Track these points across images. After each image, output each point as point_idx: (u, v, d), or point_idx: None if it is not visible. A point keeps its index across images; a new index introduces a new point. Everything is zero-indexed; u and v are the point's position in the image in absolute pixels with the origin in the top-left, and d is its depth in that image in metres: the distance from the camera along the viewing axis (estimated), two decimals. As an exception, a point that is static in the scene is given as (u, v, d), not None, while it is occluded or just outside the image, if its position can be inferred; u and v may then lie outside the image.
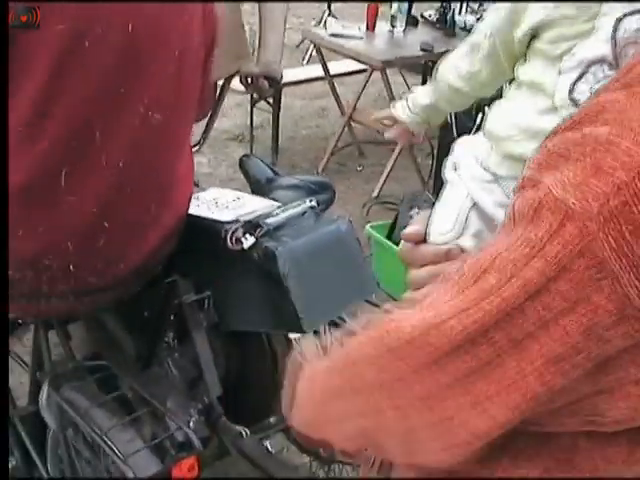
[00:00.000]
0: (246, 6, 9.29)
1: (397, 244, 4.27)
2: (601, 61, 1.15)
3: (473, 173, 1.41)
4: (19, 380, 2.97)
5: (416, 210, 4.22)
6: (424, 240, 1.12)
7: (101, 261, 2.04)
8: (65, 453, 2.23)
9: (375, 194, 5.41)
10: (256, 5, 3.18)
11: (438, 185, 5.35)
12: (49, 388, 2.20)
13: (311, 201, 2.24)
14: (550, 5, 1.52)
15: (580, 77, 1.19)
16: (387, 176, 5.44)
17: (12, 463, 2.53)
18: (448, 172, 1.47)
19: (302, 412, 0.99)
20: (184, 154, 2.20)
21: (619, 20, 1.14)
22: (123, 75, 1.88)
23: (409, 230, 1.13)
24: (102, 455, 2.15)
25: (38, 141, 1.86)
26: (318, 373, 0.93)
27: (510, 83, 1.89)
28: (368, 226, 4.43)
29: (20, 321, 2.45)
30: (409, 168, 5.67)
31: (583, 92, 1.17)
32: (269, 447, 2.47)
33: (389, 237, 4.40)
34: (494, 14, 1.85)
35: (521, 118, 1.46)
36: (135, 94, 1.92)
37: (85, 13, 1.78)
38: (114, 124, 1.92)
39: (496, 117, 1.57)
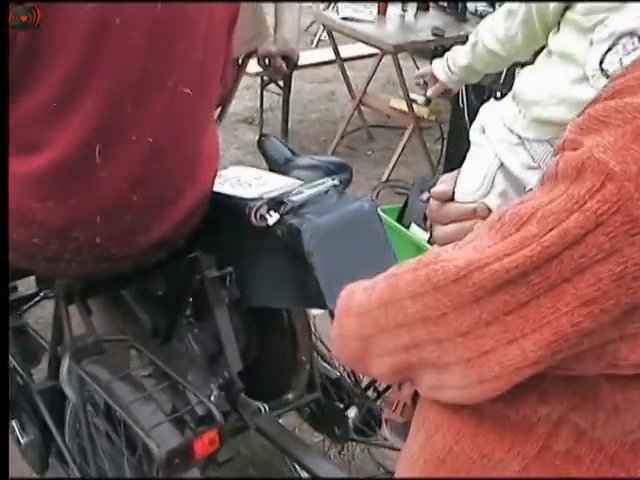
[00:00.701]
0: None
1: (407, 227, 4.29)
2: (631, 34, 1.18)
3: (500, 136, 1.43)
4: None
5: (426, 194, 4.23)
6: (451, 199, 1.16)
7: (125, 233, 2.07)
8: (85, 427, 2.24)
9: (384, 178, 5.42)
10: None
11: (448, 169, 5.36)
12: (70, 361, 2.21)
13: (333, 179, 2.25)
14: None
15: (610, 48, 1.22)
16: (396, 160, 5.44)
17: (30, 437, 2.55)
18: (475, 134, 1.49)
19: (348, 345, 1.04)
20: (210, 130, 2.22)
21: None
22: (153, 52, 1.90)
23: (437, 189, 1.18)
24: (122, 429, 2.17)
25: (72, 117, 1.88)
26: (366, 309, 0.97)
27: (539, 52, 1.91)
28: (378, 209, 4.43)
29: (41, 294, 2.47)
30: (418, 152, 5.67)
31: (612, 63, 1.19)
32: (282, 424, 2.50)
33: (399, 221, 4.41)
34: None
35: (551, 85, 1.47)
36: (164, 71, 1.94)
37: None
38: (144, 101, 1.94)
39: (526, 82, 1.59)
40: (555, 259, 0.77)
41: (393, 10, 5.78)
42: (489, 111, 1.49)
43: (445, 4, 5.89)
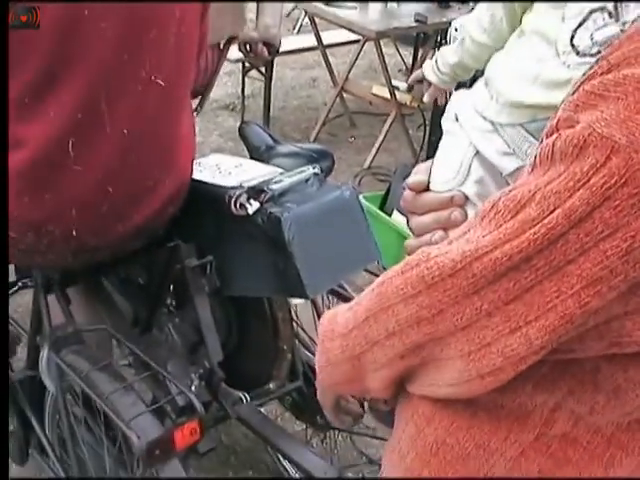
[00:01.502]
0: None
1: (389, 215, 4.28)
2: (602, 9, 1.17)
3: (474, 123, 1.41)
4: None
5: (409, 181, 4.22)
6: (426, 189, 1.15)
7: (102, 224, 2.04)
8: (64, 418, 2.23)
9: (366, 165, 5.41)
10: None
11: (431, 156, 5.35)
12: (49, 351, 2.19)
13: (314, 168, 2.23)
14: None
15: (581, 24, 1.21)
16: (379, 147, 5.43)
17: (9, 428, 2.53)
18: (448, 122, 1.47)
19: (339, 370, 1.01)
20: (186, 117, 2.19)
21: None
22: (125, 42, 1.87)
23: (413, 179, 1.18)
24: (101, 420, 2.16)
25: (45, 112, 1.85)
26: (352, 326, 0.96)
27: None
28: (360, 197, 4.43)
29: (20, 284, 2.45)
30: (401, 139, 5.66)
31: (583, 39, 1.18)
32: (263, 412, 2.49)
33: (381, 208, 4.41)
34: None
35: (521, 65, 1.46)
36: (138, 60, 1.91)
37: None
38: (118, 91, 1.91)
39: (496, 65, 1.57)
40: (560, 239, 0.76)
41: (375, -4, 5.75)
42: (461, 99, 1.47)
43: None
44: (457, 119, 1.38)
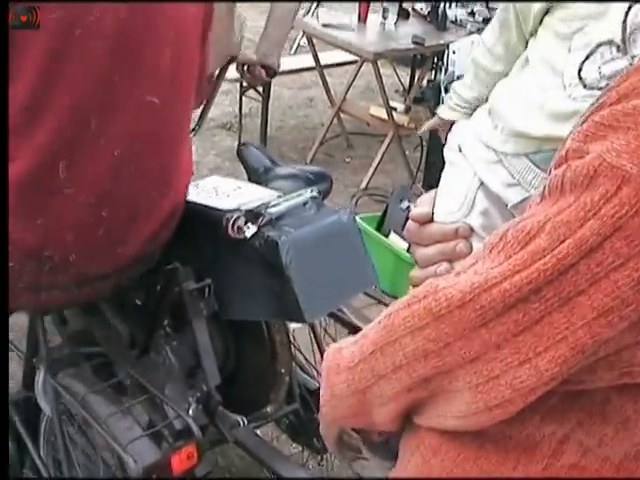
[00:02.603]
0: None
1: (386, 236, 4.28)
2: (610, 43, 1.17)
3: (478, 154, 1.41)
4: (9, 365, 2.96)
5: (406, 203, 4.23)
6: (430, 220, 1.15)
7: (100, 250, 2.03)
8: (60, 440, 2.22)
9: (363, 186, 5.41)
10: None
11: (428, 177, 5.36)
12: (45, 374, 2.19)
13: (312, 191, 2.23)
14: None
15: (588, 57, 1.20)
16: (375, 168, 5.44)
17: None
18: (451, 153, 1.47)
19: (344, 404, 1.00)
20: (182, 139, 2.18)
21: (630, 6, 1.15)
22: (117, 61, 1.86)
23: (417, 211, 1.17)
24: (97, 443, 2.15)
25: (35, 131, 1.83)
26: (359, 359, 0.95)
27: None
28: (357, 217, 4.43)
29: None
30: (397, 160, 5.67)
31: (591, 71, 1.18)
32: (260, 435, 2.48)
33: (378, 229, 4.41)
34: None
35: (526, 95, 1.46)
36: (130, 80, 1.90)
37: (74, 2, 1.77)
38: (110, 112, 1.90)
39: (500, 95, 1.57)
40: (571, 270, 0.76)
41: (373, 18, 5.79)
42: (464, 130, 1.47)
43: (425, 12, 5.90)
44: (460, 150, 1.38)
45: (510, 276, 0.78)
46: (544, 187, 0.82)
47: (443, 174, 1.39)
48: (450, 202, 1.26)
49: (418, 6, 6.08)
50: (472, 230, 1.17)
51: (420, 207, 1.16)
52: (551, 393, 0.83)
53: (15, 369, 2.83)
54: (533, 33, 1.73)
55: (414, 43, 5.33)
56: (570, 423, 0.89)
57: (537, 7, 1.68)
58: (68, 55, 1.79)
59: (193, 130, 2.96)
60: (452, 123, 2.48)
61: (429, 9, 5.91)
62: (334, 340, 2.77)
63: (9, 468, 2.51)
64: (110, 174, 1.95)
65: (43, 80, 1.79)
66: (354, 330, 2.51)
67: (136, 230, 2.08)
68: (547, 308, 0.77)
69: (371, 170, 5.44)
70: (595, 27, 1.27)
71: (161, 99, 1.96)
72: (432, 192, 1.22)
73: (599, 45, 1.19)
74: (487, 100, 2.27)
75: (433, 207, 1.16)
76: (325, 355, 1.04)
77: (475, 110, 2.39)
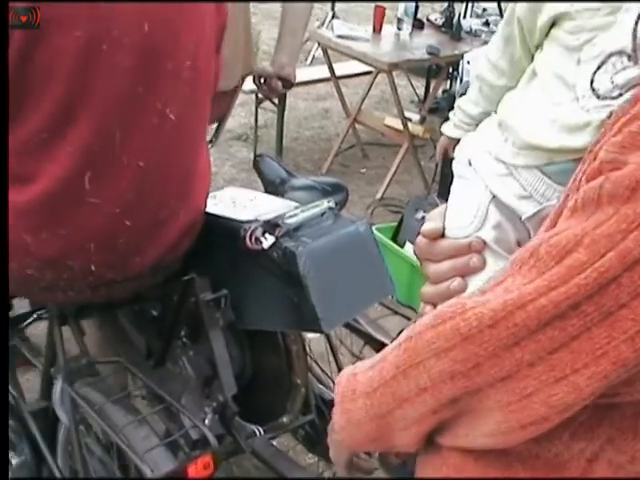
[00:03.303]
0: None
1: (402, 246, 4.28)
2: (620, 53, 1.16)
3: (489, 167, 1.40)
4: (25, 376, 2.97)
5: (422, 213, 4.23)
6: (441, 235, 1.14)
7: (120, 257, 2.05)
8: (77, 450, 2.22)
9: (379, 196, 5.41)
10: (259, 4, 3.19)
11: (443, 188, 5.36)
12: (63, 383, 2.20)
13: (329, 202, 2.24)
14: None
15: (599, 67, 1.20)
16: (391, 178, 5.44)
17: (21, 458, 2.53)
18: (460, 167, 1.46)
19: (362, 430, 0.98)
20: (201, 149, 2.20)
21: None
22: (141, 75, 1.88)
23: (428, 227, 1.16)
24: (114, 453, 2.16)
25: (62, 147, 1.86)
26: (378, 384, 0.92)
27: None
28: (373, 228, 4.43)
29: (35, 315, 2.45)
30: (413, 171, 5.67)
31: (603, 82, 1.17)
32: (276, 445, 2.48)
33: (394, 239, 4.41)
34: (520, 3, 1.85)
35: (537, 108, 1.44)
36: (153, 92, 1.92)
37: (99, 17, 1.78)
38: (133, 124, 1.92)
39: (510, 108, 1.56)
40: (613, 283, 0.74)
41: (388, 28, 5.80)
42: (472, 143, 1.46)
43: (440, 23, 5.91)
44: (470, 164, 1.37)
45: (546, 292, 0.76)
46: (575, 200, 0.81)
47: (452, 189, 1.38)
48: (462, 216, 1.25)
49: (433, 17, 6.11)
50: (485, 244, 1.17)
51: (430, 223, 1.15)
52: (581, 408, 0.81)
53: (33, 379, 2.85)
54: (539, 46, 1.72)
55: (429, 53, 5.34)
56: (600, 439, 0.87)
57: (543, 20, 1.68)
58: (95, 70, 1.81)
59: (210, 141, 2.98)
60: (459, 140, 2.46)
61: (444, 19, 5.92)
62: (350, 351, 2.78)
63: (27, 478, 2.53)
64: (134, 185, 1.98)
65: (70, 95, 1.81)
66: (370, 340, 2.52)
67: (156, 239, 2.10)
68: (586, 323, 0.75)
69: (386, 180, 5.44)
70: (604, 38, 1.26)
71: (180, 111, 1.98)
72: (442, 207, 1.21)
73: (610, 55, 1.19)
74: (492, 114, 2.27)
75: (444, 222, 1.16)
76: (337, 381, 1.01)
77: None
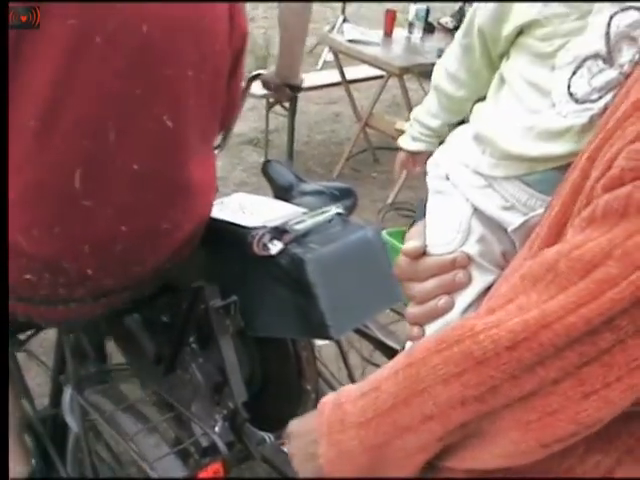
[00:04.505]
0: (259, 10, 9.30)
1: (413, 251, 4.26)
2: (595, 56, 1.15)
3: (467, 180, 1.38)
4: (36, 381, 2.98)
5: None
6: (422, 254, 1.12)
7: (118, 264, 2.03)
8: (87, 457, 2.23)
9: (390, 200, 5.40)
10: (270, 9, 3.18)
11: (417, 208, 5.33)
12: (73, 391, 2.19)
13: (338, 207, 2.23)
14: (539, 3, 1.50)
15: (575, 72, 1.18)
16: (402, 183, 5.43)
17: (31, 465, 2.53)
18: (436, 182, 1.43)
19: (353, 462, 0.93)
20: (204, 159, 2.17)
21: (612, 17, 1.14)
22: (136, 76, 1.85)
23: (409, 246, 1.13)
24: (124, 461, 2.16)
25: (50, 137, 1.82)
26: (374, 413, 0.88)
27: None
28: (384, 232, 4.42)
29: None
30: (423, 175, 5.64)
31: (580, 86, 1.16)
32: (286, 451, 2.47)
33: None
34: (480, 12, 1.82)
35: (513, 116, 1.42)
36: (150, 97, 1.89)
37: (96, 8, 1.75)
38: (129, 126, 1.89)
39: (484, 119, 1.54)
40: None
41: (399, 32, 5.79)
42: (447, 158, 1.44)
43: (451, 26, 5.90)
44: (448, 178, 1.35)
45: (575, 309, 0.73)
46: (592, 210, 0.77)
47: (430, 205, 1.35)
48: (444, 232, 1.23)
49: (444, 20, 6.10)
50: (470, 258, 1.16)
51: (411, 241, 1.13)
52: None
53: (43, 385, 2.86)
54: (503, 55, 1.70)
55: (440, 57, 5.31)
56: (617, 451, 0.83)
57: (509, 29, 1.65)
58: (85, 62, 1.78)
59: (218, 147, 2.97)
60: (417, 154, 2.39)
61: (455, 23, 5.91)
62: (360, 355, 2.77)
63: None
64: (129, 188, 1.95)
65: (58, 84, 1.78)
66: (380, 346, 2.51)
67: (155, 246, 2.07)
68: (619, 337, 0.72)
69: (398, 185, 5.42)
70: (577, 42, 1.25)
71: (181, 121, 1.96)
72: (419, 225, 1.19)
73: (585, 59, 1.17)
74: (452, 125, 2.21)
75: (424, 240, 1.14)
76: (319, 410, 0.96)
77: (441, 138, 2.29)
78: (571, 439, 0.78)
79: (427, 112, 2.23)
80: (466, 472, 0.90)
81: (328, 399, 0.97)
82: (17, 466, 2.40)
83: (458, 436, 0.84)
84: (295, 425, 1.08)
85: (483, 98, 1.61)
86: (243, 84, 3.00)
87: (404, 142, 2.41)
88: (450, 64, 1.95)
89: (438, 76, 2.02)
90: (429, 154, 2.42)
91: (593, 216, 0.77)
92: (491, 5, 1.61)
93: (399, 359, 0.87)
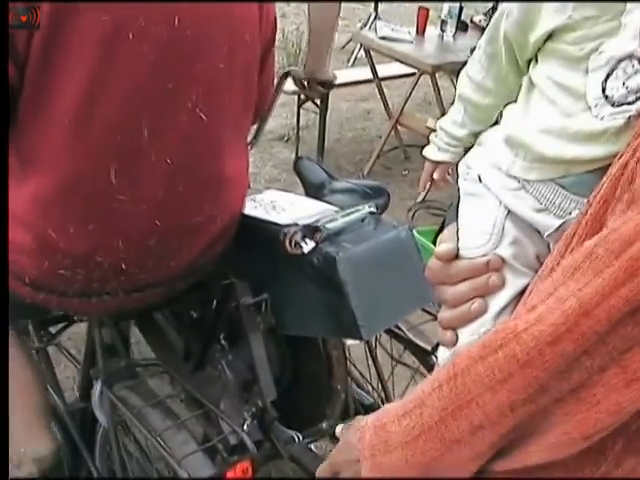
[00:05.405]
0: (291, 7, 9.29)
1: (444, 250, 4.24)
2: (630, 57, 1.13)
3: (500, 182, 1.37)
4: (65, 374, 2.99)
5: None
6: (455, 257, 1.10)
7: (152, 259, 2.03)
8: (115, 452, 2.23)
9: (420, 199, 5.37)
10: (302, 5, 3.17)
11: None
12: (102, 386, 2.20)
13: (370, 207, 2.21)
14: (569, 7, 1.48)
15: (609, 74, 1.17)
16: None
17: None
18: (469, 185, 1.41)
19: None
20: (238, 153, 2.17)
21: None
22: (169, 70, 1.86)
23: (442, 249, 1.11)
24: (152, 456, 2.15)
25: (85, 135, 1.83)
26: (420, 430, 0.87)
27: None
28: (414, 231, 4.39)
29: (75, 317, 2.45)
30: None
31: (616, 88, 1.14)
32: (314, 449, 2.46)
33: (435, 243, 4.37)
34: (505, 19, 1.80)
35: (546, 120, 1.40)
36: (183, 90, 1.89)
37: (127, 4, 1.76)
38: (162, 120, 1.90)
39: (516, 123, 1.52)
40: None
41: (432, 30, 5.77)
42: (479, 160, 1.42)
43: (484, 24, 5.86)
44: (480, 180, 1.33)
45: (612, 291, 0.71)
46: (633, 191, 0.76)
47: (461, 208, 1.34)
48: (477, 235, 1.21)
49: (477, 18, 6.06)
50: (503, 261, 1.14)
51: (443, 244, 1.11)
52: (635, 412, 0.76)
53: (72, 378, 2.87)
54: (531, 60, 1.67)
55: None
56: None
57: (537, 35, 1.63)
58: (119, 57, 1.79)
59: (250, 143, 2.97)
60: (443, 164, 2.35)
61: (488, 21, 5.87)
62: (390, 355, 2.75)
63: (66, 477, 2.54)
64: (163, 182, 1.95)
65: (93, 80, 1.79)
66: (410, 346, 2.49)
67: (189, 241, 2.08)
68: None
69: (428, 183, 5.39)
70: (610, 44, 1.23)
71: (214, 113, 1.96)
72: (451, 228, 1.18)
73: (619, 61, 1.16)
74: (478, 134, 2.18)
75: (457, 243, 1.12)
76: (360, 436, 0.94)
77: (465, 148, 2.24)
78: (603, 432, 0.76)
79: (453, 122, 2.20)
80: (505, 472, 0.89)
81: (368, 421, 0.95)
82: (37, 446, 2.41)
83: (511, 437, 0.82)
84: (339, 435, 1.08)
85: (509, 103, 1.60)
86: (275, 81, 3.01)
87: (430, 153, 2.39)
88: (475, 73, 1.92)
89: (463, 85, 1.99)
90: (455, 164, 2.39)
91: (632, 198, 0.75)
92: (517, 11, 1.59)
93: (441, 372, 0.85)
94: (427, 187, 4.83)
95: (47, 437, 2.42)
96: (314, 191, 2.53)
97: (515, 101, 1.59)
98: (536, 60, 1.61)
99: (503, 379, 0.78)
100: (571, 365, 0.74)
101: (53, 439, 2.44)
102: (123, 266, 1.98)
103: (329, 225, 2.08)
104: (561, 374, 0.74)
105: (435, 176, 2.49)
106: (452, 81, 6.63)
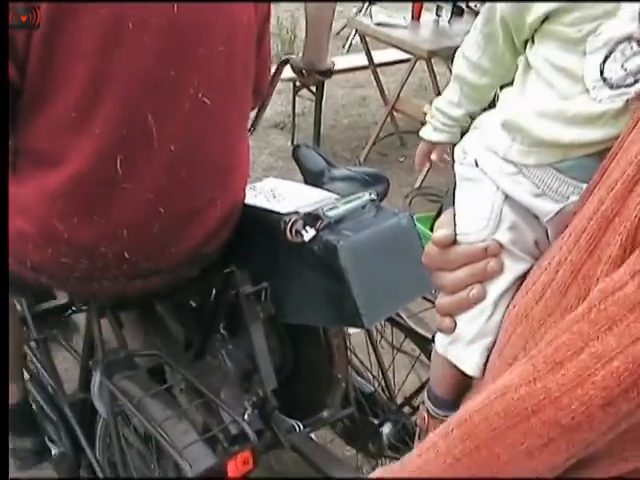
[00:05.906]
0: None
1: (441, 236, 4.23)
2: (628, 39, 1.11)
3: (497, 166, 1.35)
4: (64, 366, 2.98)
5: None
6: (452, 242, 1.09)
7: (155, 246, 2.03)
8: (116, 442, 2.22)
9: (417, 185, 5.36)
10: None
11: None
12: (102, 376, 2.18)
13: (371, 194, 2.20)
14: None
15: (607, 56, 1.15)
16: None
17: (60, 449, 2.53)
18: (466, 169, 1.39)
19: None
20: (239, 138, 2.17)
21: None
22: (170, 58, 1.86)
23: (439, 235, 1.09)
24: (153, 446, 2.14)
25: (90, 127, 1.84)
26: None
27: None
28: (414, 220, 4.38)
29: (73, 308, 2.45)
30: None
31: (614, 70, 1.12)
32: (314, 438, 2.45)
33: (432, 229, 4.36)
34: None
35: (543, 103, 1.38)
36: (184, 77, 1.90)
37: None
38: (165, 108, 1.90)
39: (512, 106, 1.50)
40: None
41: (427, 15, 5.74)
42: (475, 144, 1.40)
43: (479, 9, 5.83)
44: (477, 164, 1.31)
45: (627, 282, 0.69)
46: None
47: (458, 193, 1.32)
48: (474, 220, 1.19)
49: (472, 3, 6.03)
50: (501, 246, 1.13)
51: (441, 230, 1.09)
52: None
53: (72, 370, 2.85)
54: (528, 40, 1.66)
55: (469, 40, 5.28)
56: None
57: (535, 16, 1.61)
58: (120, 49, 1.79)
59: (249, 130, 2.95)
60: (440, 145, 2.34)
61: (483, 6, 5.85)
62: (390, 343, 2.74)
63: (66, 468, 2.53)
64: (167, 170, 1.96)
65: (96, 74, 1.80)
66: (410, 333, 2.48)
67: (192, 228, 2.08)
68: None
69: (425, 169, 5.38)
70: (609, 26, 1.21)
71: (216, 98, 1.96)
72: (448, 213, 1.16)
73: (618, 43, 1.14)
74: (475, 114, 2.16)
75: (454, 228, 1.11)
76: None
77: (462, 128, 2.22)
78: None
79: (449, 102, 2.18)
80: None
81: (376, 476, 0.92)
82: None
83: None
84: None
85: (506, 85, 1.58)
86: (273, 69, 2.99)
87: (426, 133, 2.36)
88: (471, 52, 1.91)
89: (459, 66, 1.97)
90: (451, 145, 2.37)
91: None
92: None
93: (456, 445, 0.80)
94: (425, 171, 4.82)
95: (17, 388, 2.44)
96: (313, 179, 2.51)
97: (512, 82, 1.58)
98: (532, 41, 1.60)
99: (543, 444, 0.74)
100: (624, 419, 0.71)
101: (22, 390, 2.45)
102: (126, 255, 1.99)
103: (330, 213, 2.07)
104: (612, 429, 0.71)
105: (433, 157, 2.47)
106: (448, 66, 6.61)
